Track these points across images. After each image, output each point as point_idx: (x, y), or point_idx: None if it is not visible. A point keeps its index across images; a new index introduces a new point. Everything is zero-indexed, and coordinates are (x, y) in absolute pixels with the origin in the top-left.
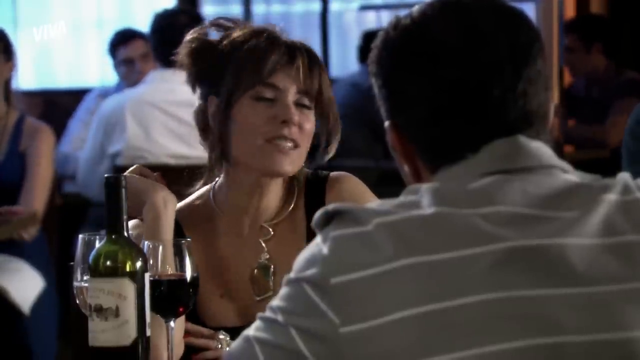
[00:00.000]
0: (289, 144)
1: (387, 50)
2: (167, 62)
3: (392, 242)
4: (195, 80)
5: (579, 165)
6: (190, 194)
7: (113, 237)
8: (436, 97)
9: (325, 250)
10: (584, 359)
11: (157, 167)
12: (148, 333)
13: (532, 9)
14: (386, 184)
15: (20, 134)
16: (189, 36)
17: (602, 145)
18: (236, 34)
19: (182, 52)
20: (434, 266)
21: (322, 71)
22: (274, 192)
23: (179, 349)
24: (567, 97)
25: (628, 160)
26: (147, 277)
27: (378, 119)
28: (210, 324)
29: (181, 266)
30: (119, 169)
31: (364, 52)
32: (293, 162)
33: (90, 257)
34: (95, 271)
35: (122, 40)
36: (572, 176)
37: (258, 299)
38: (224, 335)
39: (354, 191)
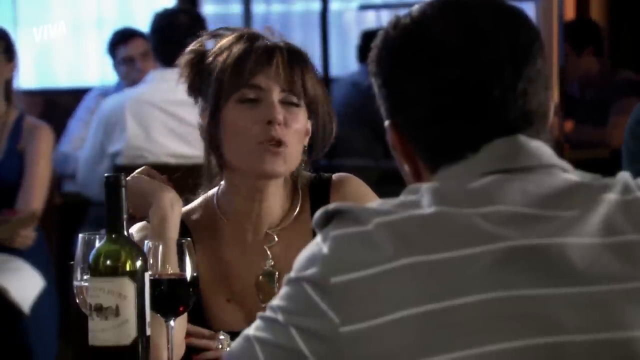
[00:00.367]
0: (277, 144)
1: (387, 49)
2: (167, 61)
3: (392, 242)
4: (191, 91)
5: (579, 165)
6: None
7: (113, 236)
8: (436, 96)
9: (325, 249)
10: (584, 358)
11: (157, 167)
12: (148, 332)
13: (532, 8)
14: (386, 184)
15: (20, 133)
16: (188, 48)
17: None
18: (221, 41)
19: (180, 65)
20: (434, 266)
21: (306, 68)
22: (275, 197)
23: (180, 350)
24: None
25: (628, 159)
26: (147, 276)
27: (378, 119)
28: (218, 328)
29: (181, 265)
30: (119, 169)
31: (363, 52)
32: (285, 162)
33: (90, 257)
34: (95, 270)
35: (122, 39)
36: (572, 175)
37: (264, 305)
38: (224, 335)
39: (357, 193)
